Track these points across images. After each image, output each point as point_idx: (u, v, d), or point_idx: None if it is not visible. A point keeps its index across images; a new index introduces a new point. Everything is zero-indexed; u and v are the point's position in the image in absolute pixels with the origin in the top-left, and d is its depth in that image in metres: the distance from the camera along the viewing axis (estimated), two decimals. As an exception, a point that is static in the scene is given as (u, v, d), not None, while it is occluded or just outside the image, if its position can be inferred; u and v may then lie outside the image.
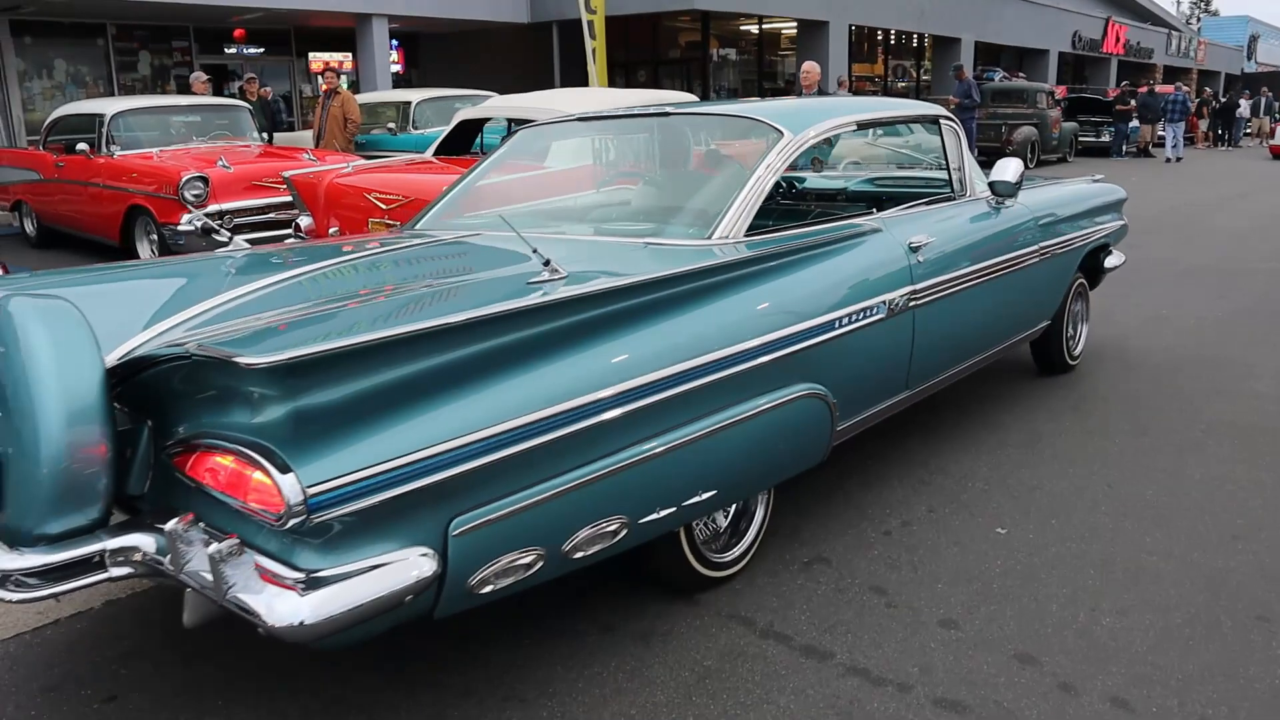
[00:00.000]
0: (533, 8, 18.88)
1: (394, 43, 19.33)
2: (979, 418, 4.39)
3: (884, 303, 3.16)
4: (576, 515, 2.22)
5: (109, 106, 9.03)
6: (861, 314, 3.06)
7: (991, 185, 4.07)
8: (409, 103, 11.92)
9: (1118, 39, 34.39)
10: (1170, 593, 2.87)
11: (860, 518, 3.37)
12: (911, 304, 3.30)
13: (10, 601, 2.00)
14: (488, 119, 7.17)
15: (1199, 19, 60.48)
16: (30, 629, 2.75)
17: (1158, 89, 24.17)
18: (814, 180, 5.06)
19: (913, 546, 3.17)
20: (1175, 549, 3.14)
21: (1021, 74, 26.47)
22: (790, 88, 20.61)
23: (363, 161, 7.21)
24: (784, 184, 4.76)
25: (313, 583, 1.85)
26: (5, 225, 11.06)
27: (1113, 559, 3.08)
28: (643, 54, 22.95)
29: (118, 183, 8.39)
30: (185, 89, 11.91)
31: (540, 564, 2.17)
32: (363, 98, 12.50)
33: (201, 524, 2.02)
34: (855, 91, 19.22)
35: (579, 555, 2.25)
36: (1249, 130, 28.86)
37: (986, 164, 4.34)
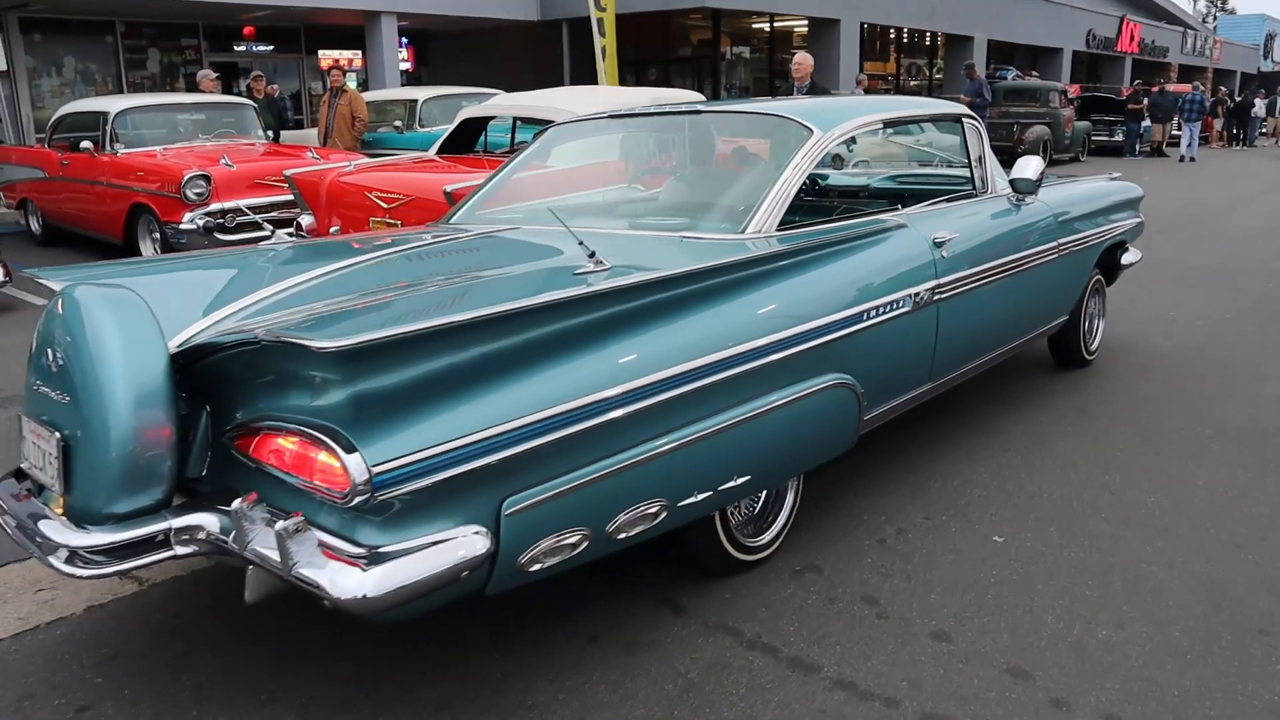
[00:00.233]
0: (543, 5, 18.85)
1: (404, 40, 19.33)
2: (982, 420, 4.32)
3: (910, 296, 3.23)
4: (620, 497, 2.31)
5: (113, 105, 9.02)
6: (888, 307, 3.14)
7: (1012, 183, 4.12)
8: (415, 100, 11.87)
9: (1132, 37, 34.12)
10: (1169, 604, 2.80)
11: (855, 524, 3.31)
12: (936, 298, 3.37)
13: (79, 578, 2.11)
14: (491, 117, 7.14)
15: (1215, 17, 60.02)
16: (10, 635, 2.72)
17: (1169, 88, 23.96)
18: (837, 177, 5.13)
19: (907, 555, 3.11)
20: (1176, 558, 3.07)
21: (1035, 73, 26.29)
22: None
23: (365, 160, 7.18)
24: (809, 181, 4.77)
25: (374, 558, 1.94)
26: (11, 223, 11.09)
27: (1111, 569, 3.01)
28: (653, 52, 22.91)
29: (121, 181, 8.38)
30: (194, 87, 11.89)
31: (585, 544, 2.25)
32: (369, 95, 12.48)
33: (264, 504, 2.09)
34: (869, 90, 19.10)
35: (621, 536, 2.33)
36: (1264, 130, 28.62)
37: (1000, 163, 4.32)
